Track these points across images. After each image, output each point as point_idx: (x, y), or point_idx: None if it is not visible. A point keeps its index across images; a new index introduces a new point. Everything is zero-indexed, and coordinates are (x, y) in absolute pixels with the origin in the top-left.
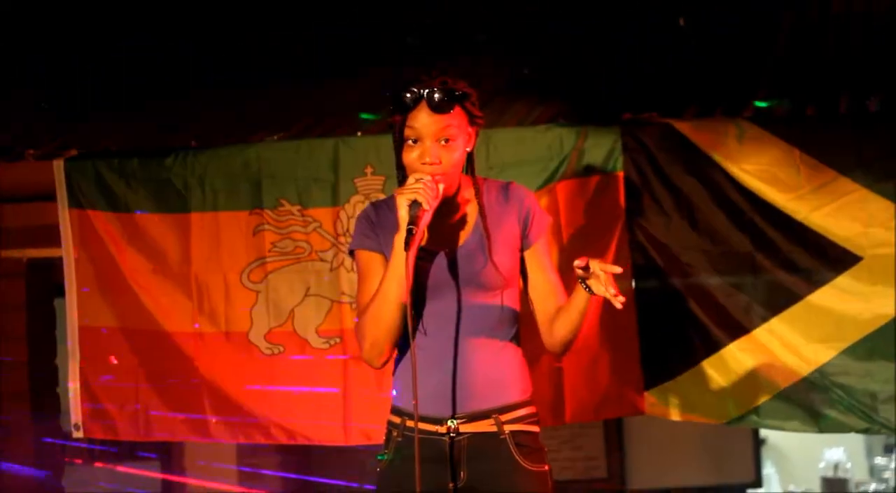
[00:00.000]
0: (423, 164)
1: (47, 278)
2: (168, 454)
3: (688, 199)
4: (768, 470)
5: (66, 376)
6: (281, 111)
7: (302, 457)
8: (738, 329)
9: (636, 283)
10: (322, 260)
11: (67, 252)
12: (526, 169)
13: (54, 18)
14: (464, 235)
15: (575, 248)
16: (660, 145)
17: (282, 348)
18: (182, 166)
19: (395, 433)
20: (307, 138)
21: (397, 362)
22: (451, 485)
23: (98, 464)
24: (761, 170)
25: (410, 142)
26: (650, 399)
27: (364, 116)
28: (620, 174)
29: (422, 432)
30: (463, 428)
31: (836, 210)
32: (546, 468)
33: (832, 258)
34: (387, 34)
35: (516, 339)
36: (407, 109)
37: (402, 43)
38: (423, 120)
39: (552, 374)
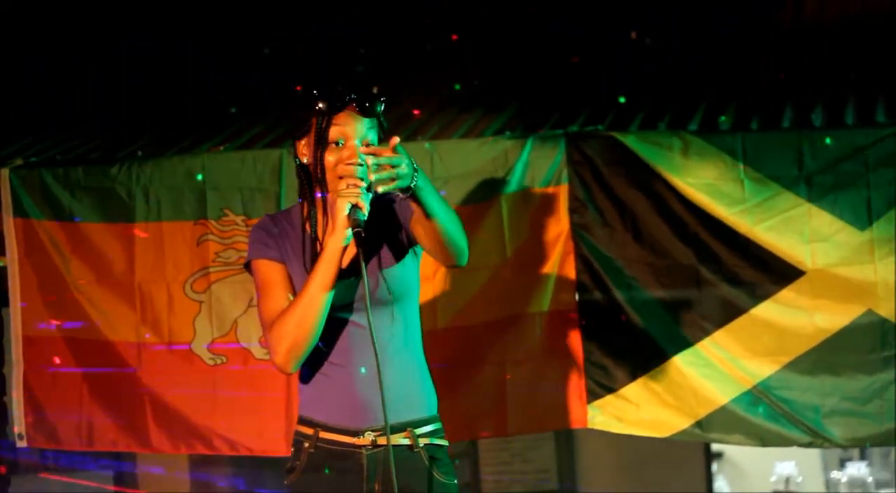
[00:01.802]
0: (349, 164)
1: None
2: (120, 465)
3: (632, 212)
4: (719, 484)
5: (10, 386)
6: (226, 123)
7: (254, 468)
8: (681, 342)
9: (580, 295)
10: None
11: (12, 261)
12: (471, 181)
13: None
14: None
15: (519, 259)
16: (604, 158)
17: (224, 359)
18: (127, 176)
19: (306, 445)
20: (252, 149)
21: (304, 373)
22: None
23: (47, 475)
24: (705, 183)
25: (335, 143)
26: (593, 412)
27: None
28: (565, 187)
29: (337, 444)
30: (380, 441)
31: (779, 224)
32: (455, 481)
33: (775, 272)
34: (338, 44)
35: (422, 352)
36: (335, 108)
37: (354, 52)
38: (350, 121)
39: (495, 385)
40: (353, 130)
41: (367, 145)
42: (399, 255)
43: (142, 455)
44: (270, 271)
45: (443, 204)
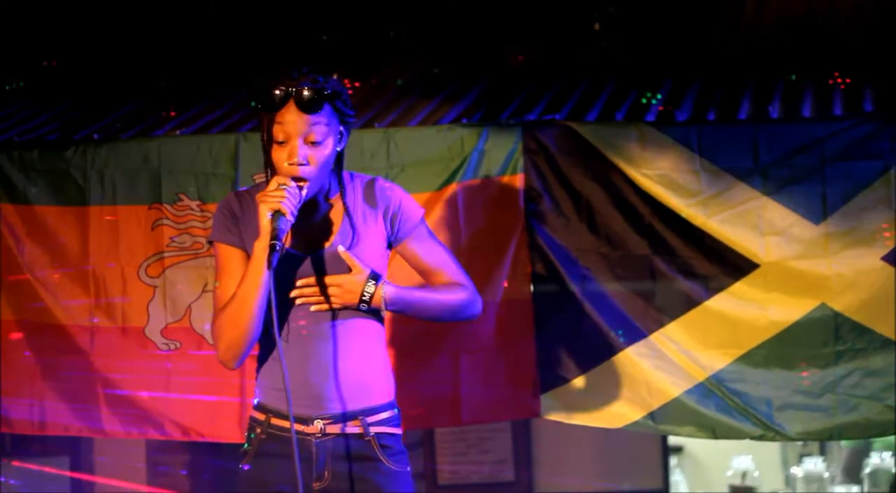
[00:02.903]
0: (291, 164)
1: None
2: (77, 452)
3: (587, 202)
4: (676, 477)
5: None
6: (183, 107)
7: (210, 455)
8: (634, 333)
9: (534, 285)
10: None
11: None
12: (426, 169)
13: None
14: (331, 237)
15: (474, 248)
16: (560, 148)
17: (178, 344)
18: (82, 159)
19: (258, 430)
20: (208, 134)
21: (261, 360)
22: (315, 485)
23: (4, 460)
24: (661, 175)
25: (278, 141)
26: (546, 402)
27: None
28: (521, 176)
29: (287, 431)
30: (329, 429)
31: (734, 217)
32: (408, 468)
33: (730, 265)
34: (301, 30)
35: (382, 341)
36: (275, 107)
37: (317, 40)
38: (291, 119)
39: (448, 375)
40: (295, 128)
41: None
42: (370, 245)
43: (98, 442)
44: (227, 255)
45: (423, 308)
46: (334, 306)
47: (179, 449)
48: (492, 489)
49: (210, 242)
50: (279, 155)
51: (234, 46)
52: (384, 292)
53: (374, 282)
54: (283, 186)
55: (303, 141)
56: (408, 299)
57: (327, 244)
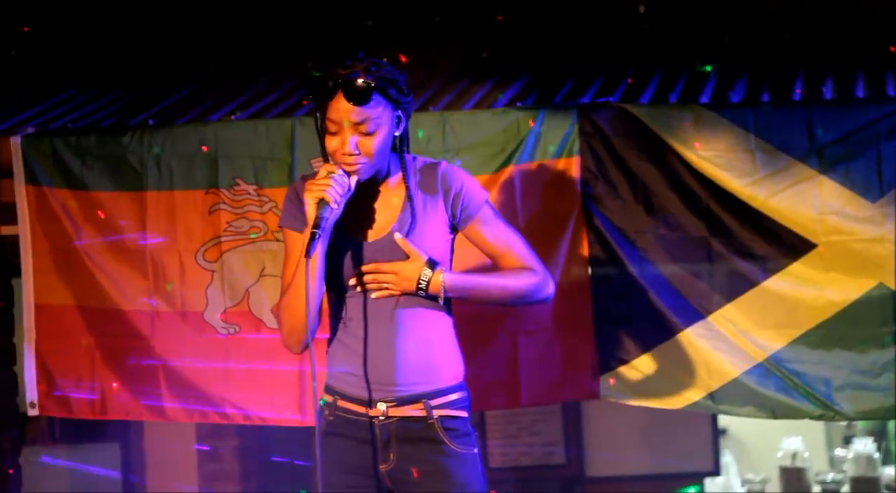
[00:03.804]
0: (342, 153)
1: (3, 256)
2: (127, 438)
3: (644, 184)
4: (727, 459)
5: (22, 355)
6: (240, 91)
7: (261, 440)
8: (693, 315)
9: (592, 267)
10: (277, 240)
11: (24, 229)
12: (482, 152)
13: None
14: (391, 222)
15: (532, 231)
16: (616, 130)
17: (237, 328)
18: (139, 144)
19: (326, 412)
20: (264, 118)
21: (330, 341)
22: (381, 466)
23: (56, 444)
24: (717, 155)
25: (330, 131)
26: (605, 384)
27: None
28: (577, 159)
29: (352, 413)
30: (392, 412)
31: (791, 197)
32: (475, 451)
33: (787, 245)
34: (347, 15)
35: (448, 323)
36: (325, 97)
37: (362, 25)
38: (341, 110)
39: (507, 357)
40: (345, 118)
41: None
42: (430, 230)
43: (148, 428)
44: (293, 241)
45: (486, 293)
46: (393, 293)
47: (229, 434)
48: (542, 471)
49: (281, 227)
50: (331, 143)
51: (282, 32)
52: (442, 278)
53: (430, 269)
54: (332, 175)
55: (354, 131)
56: (468, 285)
57: (387, 230)
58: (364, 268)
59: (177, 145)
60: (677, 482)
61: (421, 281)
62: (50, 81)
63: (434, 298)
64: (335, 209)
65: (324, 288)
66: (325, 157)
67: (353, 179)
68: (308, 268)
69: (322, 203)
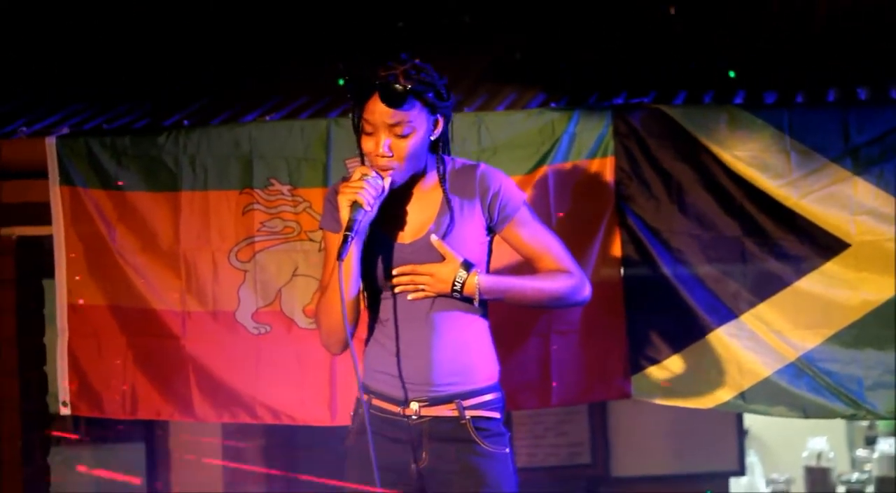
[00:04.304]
0: (376, 155)
1: (37, 256)
2: (153, 438)
3: (678, 184)
4: (751, 459)
5: (54, 354)
6: (274, 92)
7: (287, 440)
8: (725, 314)
9: (624, 266)
10: (311, 240)
11: (58, 229)
12: (517, 153)
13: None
14: (428, 223)
15: (565, 231)
16: (650, 131)
17: (269, 328)
18: (174, 145)
19: (360, 410)
20: (299, 119)
21: (366, 340)
22: (414, 465)
23: (83, 444)
24: (751, 156)
25: (366, 132)
26: (637, 383)
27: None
28: (611, 159)
29: (385, 412)
30: (424, 411)
31: (825, 197)
32: (507, 450)
33: (820, 245)
34: (378, 16)
35: (484, 324)
36: (362, 97)
37: (393, 26)
38: (377, 111)
39: (538, 357)
40: (380, 120)
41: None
42: (467, 232)
43: (174, 428)
44: (331, 243)
45: (521, 296)
46: (428, 294)
47: (256, 434)
48: (569, 471)
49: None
50: (367, 144)
51: (316, 33)
52: (477, 280)
53: (466, 271)
54: (365, 177)
55: (388, 133)
56: (503, 287)
57: (424, 232)
58: (400, 269)
59: (212, 145)
60: (702, 482)
61: (456, 283)
62: (82, 83)
63: (469, 300)
64: (368, 212)
65: (357, 289)
66: (362, 156)
67: (387, 182)
68: (341, 270)
69: (355, 206)
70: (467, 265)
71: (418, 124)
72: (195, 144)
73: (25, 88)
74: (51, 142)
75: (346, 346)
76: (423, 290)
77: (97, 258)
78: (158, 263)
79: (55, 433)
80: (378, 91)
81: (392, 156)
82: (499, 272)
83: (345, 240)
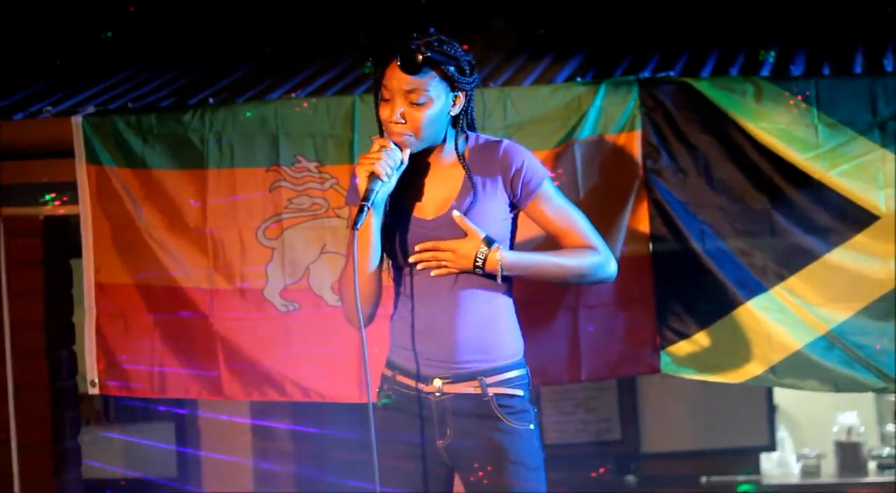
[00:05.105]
0: (391, 122)
1: (64, 235)
2: (182, 419)
3: (705, 157)
4: (782, 434)
5: (81, 334)
6: (300, 70)
7: (315, 417)
8: (755, 288)
9: (653, 241)
10: (338, 217)
11: (84, 209)
12: (544, 127)
13: None
14: (451, 199)
15: (592, 205)
16: (677, 104)
17: (297, 305)
18: (199, 123)
19: (385, 386)
20: (325, 96)
21: (392, 317)
22: (438, 442)
23: (113, 423)
24: (779, 128)
25: (384, 98)
26: (666, 358)
27: (366, 70)
28: (638, 133)
29: (409, 388)
30: (447, 389)
31: (853, 170)
32: (532, 427)
33: (849, 218)
34: None
35: (507, 301)
36: (382, 65)
37: (417, 3)
38: (394, 78)
39: (567, 331)
40: (397, 87)
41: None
42: (489, 209)
43: (203, 407)
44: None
45: (545, 272)
46: (451, 271)
47: (284, 413)
48: (598, 447)
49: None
50: (383, 112)
51: (339, 11)
52: (499, 256)
53: (487, 247)
54: (383, 148)
55: (404, 100)
56: (525, 263)
57: (446, 208)
58: (422, 246)
59: (238, 123)
60: (733, 457)
61: (478, 259)
62: (108, 62)
63: (492, 276)
64: (386, 182)
65: (377, 262)
66: (380, 128)
67: (406, 153)
68: (355, 239)
69: (372, 176)
70: (489, 241)
71: (435, 95)
72: (221, 122)
73: (51, 67)
74: (77, 121)
75: (369, 320)
76: (445, 266)
77: (124, 237)
78: (185, 241)
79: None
80: (397, 57)
81: (405, 123)
82: (523, 248)
83: (360, 209)
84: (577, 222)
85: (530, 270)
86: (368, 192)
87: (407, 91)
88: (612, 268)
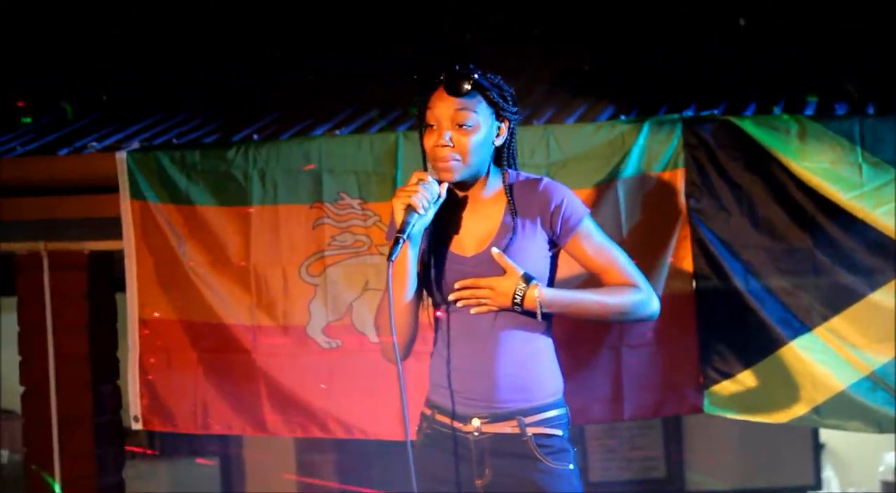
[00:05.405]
0: (436, 146)
1: (108, 270)
2: (227, 452)
3: (748, 196)
4: (827, 473)
5: (126, 369)
6: (344, 106)
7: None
8: (798, 328)
9: (696, 280)
10: (381, 254)
11: (129, 244)
12: (587, 164)
13: (123, 17)
14: (489, 237)
15: (635, 243)
16: (720, 142)
17: (340, 342)
18: (243, 159)
19: (424, 425)
20: (368, 133)
21: (432, 354)
22: (477, 482)
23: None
24: (823, 168)
25: (429, 125)
26: (709, 398)
27: (413, 110)
28: (681, 171)
29: (448, 427)
30: (486, 428)
31: None
32: (571, 467)
33: (893, 257)
34: (447, 30)
35: (547, 339)
36: (428, 92)
37: (462, 39)
38: (440, 104)
39: (610, 370)
40: (442, 113)
41: (461, 126)
42: (529, 246)
43: (248, 442)
44: None
45: (585, 310)
46: (490, 308)
47: (329, 449)
48: (643, 485)
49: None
50: (429, 140)
51: (382, 48)
52: (537, 293)
53: (525, 283)
54: (421, 182)
55: (451, 124)
56: (566, 300)
57: (486, 245)
58: (461, 283)
59: (281, 160)
60: None
61: (516, 295)
62: (153, 99)
63: (531, 313)
64: (423, 215)
65: (413, 295)
66: (424, 164)
67: (444, 187)
68: (390, 272)
69: (409, 209)
70: (528, 278)
71: (482, 120)
72: (265, 159)
73: (97, 103)
74: (121, 156)
75: (405, 355)
76: (484, 303)
77: (168, 272)
78: (229, 277)
79: (130, 448)
80: (443, 81)
81: (453, 147)
82: (565, 286)
83: (396, 241)
84: (617, 259)
85: (570, 307)
86: (405, 224)
87: (455, 111)
88: (654, 306)
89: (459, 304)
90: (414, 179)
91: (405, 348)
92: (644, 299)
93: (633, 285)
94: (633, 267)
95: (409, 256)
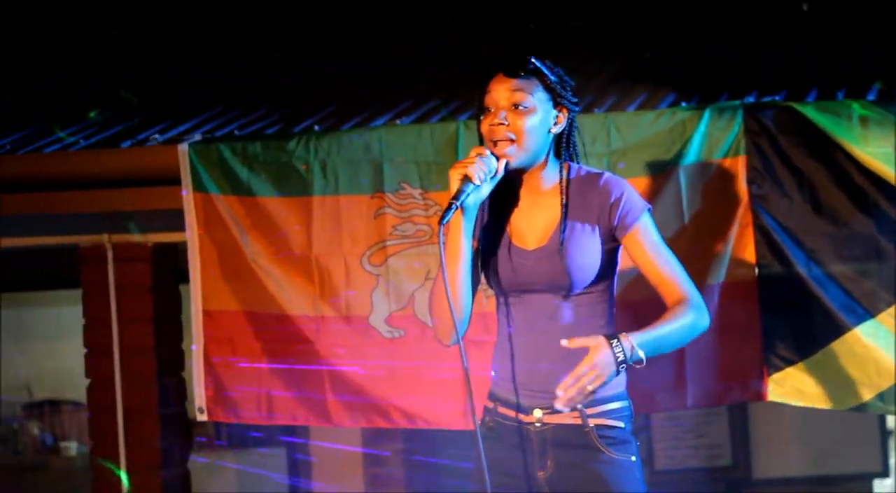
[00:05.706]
0: (493, 125)
1: (172, 262)
2: (294, 443)
3: (811, 181)
4: (895, 460)
5: (190, 361)
6: (405, 96)
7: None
8: (861, 314)
9: (758, 267)
10: None
11: (192, 236)
12: (648, 152)
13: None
14: (549, 230)
15: (697, 230)
16: (782, 128)
17: (403, 332)
18: (304, 150)
19: (487, 418)
20: (429, 122)
21: (495, 346)
22: (539, 473)
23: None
24: (885, 152)
25: (487, 108)
26: (773, 385)
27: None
28: (743, 158)
29: (509, 419)
30: (547, 419)
31: None
32: (633, 458)
33: None
34: (509, 20)
35: (608, 330)
36: (487, 77)
37: (525, 28)
38: (498, 86)
39: (673, 359)
40: (499, 95)
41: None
42: (585, 241)
43: (314, 432)
44: None
45: (667, 340)
46: (603, 381)
47: (396, 438)
48: (709, 473)
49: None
50: (485, 123)
51: (448, 39)
52: (632, 340)
53: (616, 341)
54: (479, 155)
55: (507, 104)
56: (653, 336)
57: (547, 239)
58: (562, 386)
59: (342, 150)
60: (845, 483)
61: (617, 356)
62: (215, 90)
63: (640, 360)
64: (479, 187)
65: (465, 275)
66: (480, 139)
67: (501, 164)
68: (441, 233)
69: (465, 178)
70: (611, 337)
71: (538, 103)
72: (326, 149)
73: (159, 96)
74: (183, 149)
75: (456, 339)
76: (596, 381)
77: (231, 264)
78: (291, 268)
79: (196, 438)
80: (501, 63)
81: (508, 125)
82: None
83: (449, 206)
84: (671, 266)
85: (659, 341)
86: (459, 192)
87: (511, 92)
88: (705, 322)
89: (570, 404)
90: (472, 153)
91: (454, 332)
92: (700, 316)
93: (688, 300)
94: (685, 276)
95: (463, 228)
